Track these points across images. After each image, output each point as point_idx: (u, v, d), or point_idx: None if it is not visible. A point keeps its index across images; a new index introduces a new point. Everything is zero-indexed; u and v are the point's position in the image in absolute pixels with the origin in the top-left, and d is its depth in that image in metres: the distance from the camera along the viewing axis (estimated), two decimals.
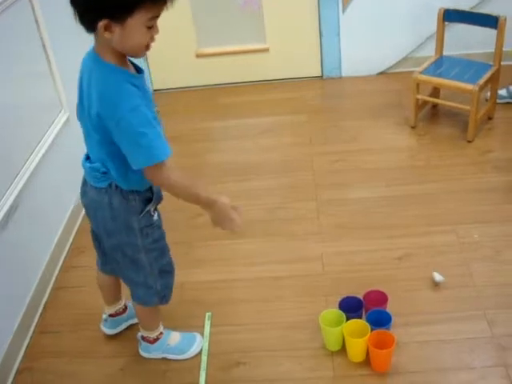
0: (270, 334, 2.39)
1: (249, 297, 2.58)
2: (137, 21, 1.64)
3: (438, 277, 2.51)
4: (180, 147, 3.65)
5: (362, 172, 3.28)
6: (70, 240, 3.01)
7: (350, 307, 2.29)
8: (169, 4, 1.68)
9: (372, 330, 2.17)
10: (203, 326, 2.45)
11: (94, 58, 1.77)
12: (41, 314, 2.62)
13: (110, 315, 2.43)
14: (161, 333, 2.32)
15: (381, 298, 2.31)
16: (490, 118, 3.59)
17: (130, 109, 1.70)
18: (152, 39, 1.73)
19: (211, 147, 3.71)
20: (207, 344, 2.38)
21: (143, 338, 2.32)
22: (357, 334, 2.18)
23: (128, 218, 1.97)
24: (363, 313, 2.31)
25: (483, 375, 2.14)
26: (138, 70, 1.87)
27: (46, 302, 2.68)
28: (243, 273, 2.71)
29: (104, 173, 1.90)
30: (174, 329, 2.39)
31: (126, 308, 2.46)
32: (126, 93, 1.72)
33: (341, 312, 2.26)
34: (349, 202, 3.07)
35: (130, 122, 1.71)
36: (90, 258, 2.81)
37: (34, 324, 2.57)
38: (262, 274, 2.69)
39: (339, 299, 2.33)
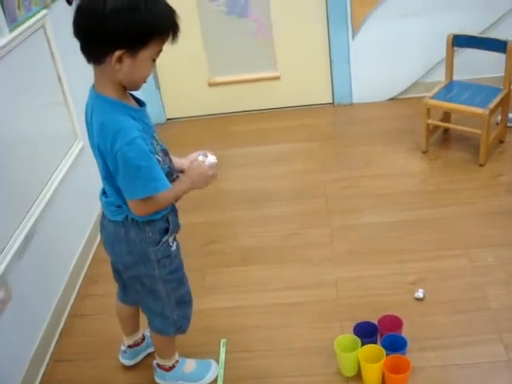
0: (285, 360, 2.39)
1: (263, 323, 2.58)
2: (148, 53, 1.70)
3: (418, 294, 2.56)
4: None
5: (375, 197, 3.29)
6: (85, 269, 3.04)
7: (365, 332, 2.28)
8: (175, 37, 1.73)
9: (387, 354, 2.17)
10: (218, 353, 2.46)
11: (93, 94, 1.81)
12: (56, 342, 2.63)
13: (129, 346, 2.44)
14: (177, 361, 2.32)
15: (396, 322, 2.31)
16: (501, 142, 3.60)
17: (127, 142, 1.71)
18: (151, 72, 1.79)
19: (224, 175, 3.72)
20: (223, 371, 2.38)
21: (159, 365, 2.33)
22: (372, 359, 2.17)
23: (145, 250, 1.98)
24: (378, 338, 2.31)
25: None
26: (140, 103, 1.90)
27: (62, 330, 2.69)
28: (257, 299, 2.71)
29: (119, 206, 1.93)
30: (189, 356, 2.39)
31: (144, 338, 2.47)
32: (123, 126, 1.74)
33: (356, 337, 2.26)
34: (361, 227, 3.08)
35: (126, 155, 1.72)
36: (105, 286, 2.86)
37: (50, 352, 2.58)
38: (276, 300, 2.69)
39: (354, 324, 2.33)
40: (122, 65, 1.69)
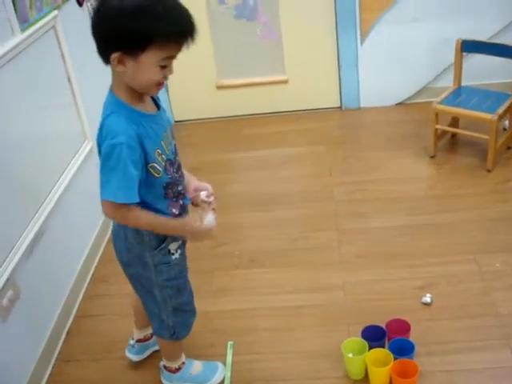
0: (292, 363, 2.39)
1: (270, 326, 2.58)
2: (150, 58, 1.66)
3: (425, 299, 2.57)
4: (200, 178, 3.68)
5: (382, 202, 3.29)
6: (93, 269, 3.04)
7: (373, 336, 2.28)
8: (183, 46, 1.69)
9: (395, 358, 2.17)
10: (225, 355, 2.45)
11: (108, 93, 1.81)
12: (64, 342, 2.64)
13: (138, 340, 2.44)
14: (183, 363, 2.32)
15: (403, 326, 2.31)
16: (509, 148, 3.60)
17: (111, 144, 1.70)
18: (165, 78, 1.73)
19: (231, 178, 3.73)
20: (229, 373, 2.38)
21: (165, 367, 2.33)
22: (379, 362, 2.17)
23: (141, 253, 1.98)
24: (386, 342, 2.30)
25: None
26: (159, 108, 1.89)
27: (69, 330, 2.70)
28: (265, 302, 2.71)
29: None
30: (196, 358, 2.39)
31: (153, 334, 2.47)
32: (116, 128, 1.72)
33: (363, 341, 2.26)
34: (369, 232, 3.07)
35: (106, 155, 1.72)
36: (113, 286, 2.87)
37: (57, 352, 2.59)
38: (283, 303, 2.69)
39: (361, 328, 2.33)
40: (125, 67, 1.68)
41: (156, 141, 1.82)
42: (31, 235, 2.42)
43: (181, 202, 1.99)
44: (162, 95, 1.96)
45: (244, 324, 2.60)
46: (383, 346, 2.28)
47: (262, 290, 2.78)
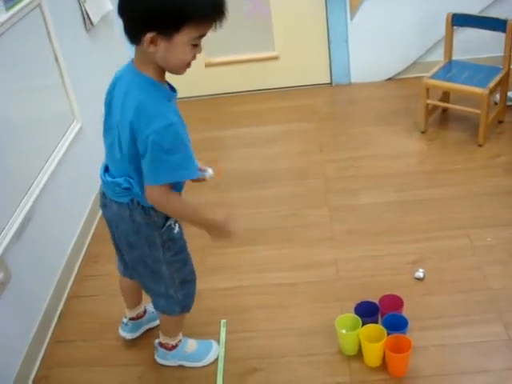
0: (285, 340, 2.39)
1: (263, 303, 2.58)
2: (184, 38, 1.64)
3: (418, 274, 2.58)
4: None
5: (373, 178, 3.29)
6: (84, 249, 3.03)
7: (366, 312, 2.28)
8: (217, 24, 1.68)
9: (388, 334, 2.17)
10: (219, 333, 2.46)
11: (133, 71, 1.76)
12: (56, 324, 2.63)
13: (131, 319, 2.44)
14: (180, 340, 2.33)
15: (396, 302, 2.31)
16: (500, 122, 3.59)
17: (165, 125, 1.68)
18: (194, 57, 1.73)
19: (222, 156, 3.72)
20: (223, 351, 2.38)
21: (161, 344, 2.33)
22: (373, 338, 2.18)
23: (150, 233, 1.96)
24: (379, 317, 2.31)
25: (500, 378, 2.13)
26: (173, 89, 1.87)
27: (62, 312, 2.69)
28: (257, 279, 2.71)
29: (126, 188, 1.88)
30: (190, 336, 2.39)
31: (145, 311, 2.48)
32: (163, 109, 1.71)
33: (357, 317, 2.26)
34: (360, 208, 3.07)
35: (162, 138, 1.68)
36: (104, 266, 2.87)
37: (50, 333, 2.58)
38: (275, 280, 2.69)
39: (355, 304, 2.33)
40: (157, 47, 1.65)
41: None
42: (21, 217, 2.40)
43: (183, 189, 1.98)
44: None
45: (237, 302, 2.60)
46: (376, 322, 2.29)
47: (253, 267, 2.78)
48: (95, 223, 3.18)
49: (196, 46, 1.69)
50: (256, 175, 3.46)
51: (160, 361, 2.36)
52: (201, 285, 2.60)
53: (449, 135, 3.59)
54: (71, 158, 2.92)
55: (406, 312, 2.30)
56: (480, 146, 3.40)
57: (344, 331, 2.26)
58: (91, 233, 3.13)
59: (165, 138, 1.68)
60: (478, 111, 3.34)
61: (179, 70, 1.75)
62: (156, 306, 2.21)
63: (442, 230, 2.84)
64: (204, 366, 2.34)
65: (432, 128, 3.65)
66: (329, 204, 3.13)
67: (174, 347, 2.31)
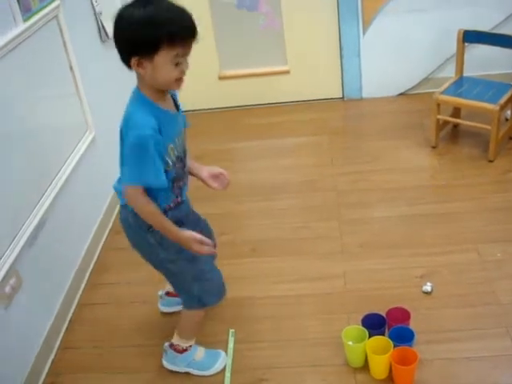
0: (293, 351, 2.40)
1: (272, 314, 2.59)
2: (163, 58, 1.82)
3: (426, 287, 2.59)
4: (206, 164, 3.70)
5: (384, 192, 3.30)
6: (95, 257, 3.06)
7: (373, 324, 2.29)
8: (189, 43, 1.84)
9: (395, 346, 2.18)
10: (226, 343, 2.47)
11: (135, 89, 1.97)
12: (66, 330, 2.65)
13: (167, 293, 2.60)
14: (191, 345, 2.36)
15: (403, 314, 2.32)
16: (510, 138, 3.60)
17: (137, 134, 1.85)
18: (182, 73, 1.89)
19: (233, 168, 3.73)
20: (231, 360, 2.39)
21: (172, 345, 2.35)
22: (380, 350, 2.18)
23: (143, 234, 2.08)
24: (386, 330, 2.32)
25: None
26: (178, 108, 2.07)
27: (71, 319, 2.71)
28: (266, 291, 2.72)
29: (121, 191, 2.03)
30: (199, 345, 2.41)
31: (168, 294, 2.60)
32: (141, 122, 1.87)
33: (363, 329, 2.27)
34: (371, 221, 3.08)
35: (133, 144, 1.86)
36: (114, 275, 2.91)
37: (60, 340, 2.60)
38: (284, 292, 2.70)
39: (362, 316, 2.34)
40: (144, 69, 1.85)
41: (171, 137, 1.98)
42: (34, 224, 2.43)
43: (179, 198, 2.12)
44: None
45: (245, 312, 2.62)
46: (383, 334, 2.29)
47: (263, 278, 2.80)
48: (106, 232, 3.21)
49: (179, 64, 1.86)
50: (267, 187, 3.48)
51: (167, 365, 2.38)
52: None
53: (459, 150, 3.60)
54: (84, 168, 2.95)
55: (412, 325, 2.31)
56: (491, 161, 3.40)
57: (351, 343, 2.27)
58: (102, 241, 3.16)
59: (135, 144, 1.86)
60: (488, 127, 3.34)
61: (170, 86, 1.94)
62: (181, 301, 2.30)
63: (451, 244, 2.85)
64: (211, 375, 2.35)
65: (443, 143, 3.66)
66: (340, 217, 3.14)
67: (184, 351, 2.34)
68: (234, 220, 3.22)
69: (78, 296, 2.83)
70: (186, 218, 2.18)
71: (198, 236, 2.03)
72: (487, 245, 2.81)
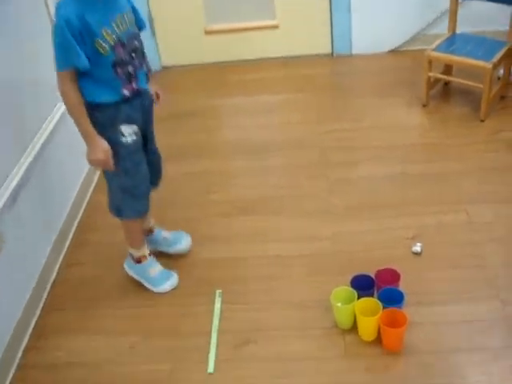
0: (280, 313, 2.37)
1: (259, 275, 2.55)
2: None
3: (415, 248, 2.55)
4: (186, 124, 3.63)
5: (372, 150, 3.24)
6: (79, 217, 3.00)
7: (362, 285, 2.26)
8: None
9: (384, 308, 2.15)
10: (213, 304, 2.43)
11: None
12: (49, 292, 2.61)
13: (150, 231, 2.65)
14: (144, 257, 2.50)
15: (393, 276, 2.28)
16: (502, 97, 3.53)
17: (57, 23, 1.92)
18: None
19: (218, 125, 3.68)
20: (217, 321, 2.36)
21: (130, 253, 2.50)
22: (369, 312, 2.15)
23: (99, 131, 2.13)
24: (375, 291, 2.28)
25: (496, 356, 2.11)
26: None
27: (55, 280, 2.67)
28: (253, 251, 2.68)
29: None
30: (184, 307, 2.41)
31: (150, 230, 2.64)
32: (64, 9, 1.93)
33: (352, 290, 2.24)
34: (359, 181, 3.03)
35: (53, 31, 1.95)
36: (98, 235, 2.84)
37: (43, 302, 2.55)
38: (272, 252, 2.66)
39: (351, 277, 2.30)
40: None
41: (104, 20, 2.00)
42: (14, 184, 2.36)
43: (134, 85, 2.13)
44: (148, 40, 1.95)
45: (232, 273, 2.57)
46: (372, 296, 2.26)
47: (249, 238, 2.75)
48: (90, 191, 3.16)
49: None
50: (253, 145, 3.41)
51: (126, 268, 2.55)
52: (196, 254, 2.64)
53: (450, 109, 3.54)
54: (66, 124, 2.85)
55: (402, 286, 2.28)
56: (482, 121, 3.35)
57: (339, 304, 2.24)
58: (86, 201, 3.10)
59: (54, 33, 1.95)
60: (480, 85, 3.28)
61: None
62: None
63: (441, 204, 2.81)
64: (160, 293, 2.48)
65: (433, 102, 3.59)
66: (326, 176, 3.09)
67: (138, 261, 2.50)
68: (221, 178, 3.17)
69: (62, 257, 2.77)
70: (139, 117, 2.22)
71: (108, 151, 2.12)
72: (477, 206, 2.77)
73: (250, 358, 2.22)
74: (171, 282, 2.51)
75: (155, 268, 2.51)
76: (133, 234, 2.47)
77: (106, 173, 2.29)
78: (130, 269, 2.54)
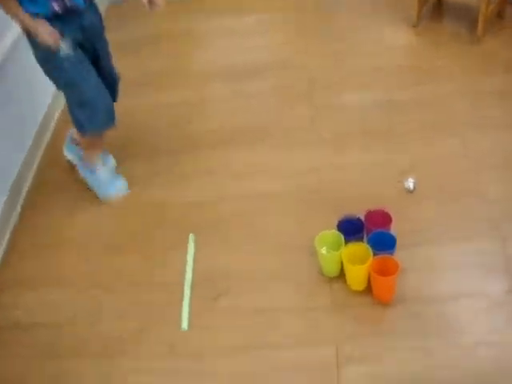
0: (261, 259, 2.19)
1: (237, 216, 2.36)
2: None
3: (408, 184, 2.35)
4: (162, 47, 3.39)
5: (360, 74, 3.03)
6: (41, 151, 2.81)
7: (350, 229, 2.05)
8: None
9: (374, 254, 1.95)
10: (186, 248, 2.25)
11: None
12: (8, 239, 2.43)
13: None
14: (98, 169, 2.50)
15: (384, 218, 2.08)
16: (500, 17, 3.27)
17: None
18: None
19: (197, 48, 3.43)
20: (191, 269, 2.17)
21: (82, 156, 2.52)
22: (357, 259, 1.96)
23: (36, 46, 2.10)
24: (364, 235, 2.08)
25: (495, 302, 1.94)
26: None
27: (15, 225, 2.49)
28: (232, 188, 2.49)
29: None
30: (158, 253, 2.26)
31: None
32: None
33: (339, 234, 2.04)
34: (346, 108, 2.82)
35: None
36: (59, 174, 2.66)
37: (2, 252, 2.38)
38: (252, 190, 2.47)
39: (338, 219, 2.09)
40: None
41: None
42: None
43: (66, 1, 2.01)
44: None
45: (207, 214, 2.39)
46: (361, 240, 2.07)
47: (229, 172, 2.55)
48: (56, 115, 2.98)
49: None
50: (235, 68, 3.20)
51: (65, 151, 2.62)
52: (170, 194, 2.48)
53: (443, 29, 3.28)
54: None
55: (394, 227, 2.07)
56: (478, 41, 3.09)
57: (324, 249, 2.04)
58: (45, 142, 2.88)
59: None
60: (476, 2, 3.00)
61: None
62: None
63: (434, 131, 2.62)
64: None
65: (425, 21, 3.34)
66: (313, 102, 2.88)
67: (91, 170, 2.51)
68: (199, 106, 2.96)
69: (21, 199, 2.58)
70: (78, 35, 2.13)
71: (49, 27, 2.01)
72: (472, 132, 2.58)
73: (226, 308, 2.05)
74: (116, 188, 2.51)
75: (107, 173, 2.52)
76: (88, 151, 2.47)
77: (63, 93, 2.27)
78: (70, 153, 2.60)
